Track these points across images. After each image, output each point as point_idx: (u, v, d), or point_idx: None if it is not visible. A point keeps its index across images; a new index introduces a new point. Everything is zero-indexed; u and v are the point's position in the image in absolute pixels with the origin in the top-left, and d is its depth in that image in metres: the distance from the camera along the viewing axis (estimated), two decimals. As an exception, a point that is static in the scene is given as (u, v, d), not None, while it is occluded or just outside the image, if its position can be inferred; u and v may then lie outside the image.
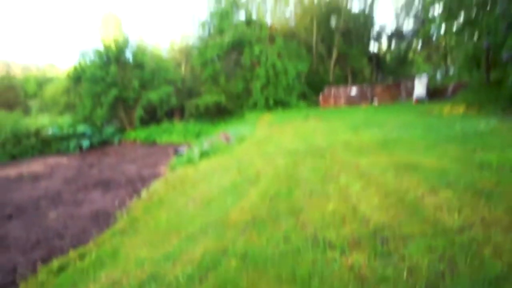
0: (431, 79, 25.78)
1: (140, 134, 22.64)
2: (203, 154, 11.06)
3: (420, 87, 20.79)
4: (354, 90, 25.89)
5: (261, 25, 27.40)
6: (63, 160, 16.04)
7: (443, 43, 30.02)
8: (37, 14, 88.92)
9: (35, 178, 11.80)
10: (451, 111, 13.07)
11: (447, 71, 31.03)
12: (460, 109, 12.98)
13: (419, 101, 20.21)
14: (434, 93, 21.23)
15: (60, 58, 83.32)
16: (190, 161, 10.71)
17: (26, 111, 36.37)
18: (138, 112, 23.77)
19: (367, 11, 31.52)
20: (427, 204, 3.98)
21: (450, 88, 20.72)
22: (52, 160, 15.96)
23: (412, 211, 3.88)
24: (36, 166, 14.41)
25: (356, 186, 5.06)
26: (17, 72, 50.02)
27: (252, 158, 8.85)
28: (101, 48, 23.80)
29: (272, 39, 27.14)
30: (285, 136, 12.06)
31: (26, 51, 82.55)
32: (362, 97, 25.26)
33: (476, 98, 13.64)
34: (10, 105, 34.79)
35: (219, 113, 23.64)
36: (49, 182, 10.98)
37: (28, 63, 58.83)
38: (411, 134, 9.19)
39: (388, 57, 36.03)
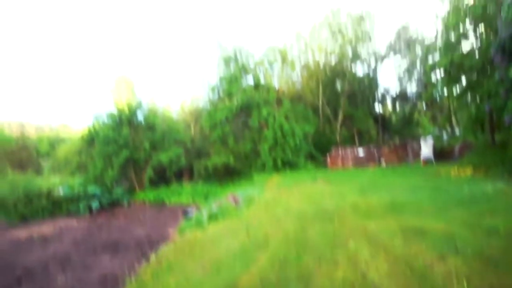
0: (437, 139, 26.09)
1: (149, 195, 22.71)
2: (212, 217, 11.08)
3: (426, 149, 21.07)
4: (361, 151, 26.22)
5: (269, 89, 28.67)
6: (72, 222, 16.10)
7: (448, 104, 30.74)
8: (51, 76, 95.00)
9: (45, 240, 11.85)
10: (459, 173, 13.15)
11: (453, 131, 31.44)
12: (467, 171, 13.07)
13: (427, 162, 20.34)
14: (441, 153, 21.40)
15: (73, 119, 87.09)
16: (198, 224, 10.71)
17: (38, 170, 37.23)
18: (148, 173, 23.99)
19: (371, 74, 33.08)
20: (436, 272, 4.01)
21: (456, 149, 20.91)
22: (62, 222, 16.03)
23: (421, 279, 3.90)
24: (46, 228, 14.49)
25: (365, 251, 5.09)
26: (31, 132, 52.00)
27: (260, 222, 8.90)
28: (115, 110, 24.85)
29: (279, 101, 28.25)
30: (294, 199, 12.13)
31: (40, 112, 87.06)
32: (369, 158, 25.50)
33: (482, 160, 13.75)
34: (22, 165, 35.72)
35: (228, 174, 23.79)
36: (58, 244, 11.00)
37: (42, 123, 61.41)
38: (419, 197, 9.24)
39: (393, 118, 36.88)
